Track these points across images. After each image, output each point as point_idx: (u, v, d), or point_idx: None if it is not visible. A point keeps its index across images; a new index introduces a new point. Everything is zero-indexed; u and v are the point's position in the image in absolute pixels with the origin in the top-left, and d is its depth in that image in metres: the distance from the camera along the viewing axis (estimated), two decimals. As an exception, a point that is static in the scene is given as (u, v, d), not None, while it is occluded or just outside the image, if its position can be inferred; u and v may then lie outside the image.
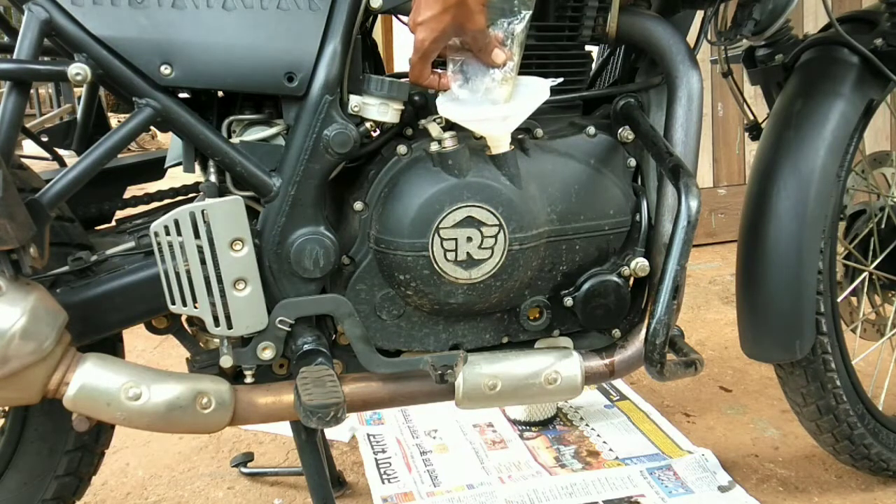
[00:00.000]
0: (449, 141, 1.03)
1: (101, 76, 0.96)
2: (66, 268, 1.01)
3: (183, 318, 1.09)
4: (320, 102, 1.00)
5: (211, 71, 0.98)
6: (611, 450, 1.62)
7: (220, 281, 0.99)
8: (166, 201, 1.17)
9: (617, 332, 1.19)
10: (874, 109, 1.34)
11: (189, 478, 1.59)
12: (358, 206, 1.07)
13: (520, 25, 1.00)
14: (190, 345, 1.11)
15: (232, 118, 1.05)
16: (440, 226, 1.03)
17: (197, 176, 1.08)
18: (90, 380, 0.95)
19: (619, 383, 1.90)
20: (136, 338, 1.88)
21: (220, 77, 0.99)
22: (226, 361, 1.03)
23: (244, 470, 1.57)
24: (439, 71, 1.03)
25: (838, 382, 1.34)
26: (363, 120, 1.03)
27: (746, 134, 1.57)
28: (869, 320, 1.55)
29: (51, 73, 0.94)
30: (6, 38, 1.27)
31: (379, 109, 1.03)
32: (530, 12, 1.01)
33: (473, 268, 1.06)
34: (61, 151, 1.31)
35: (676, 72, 1.14)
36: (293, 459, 1.63)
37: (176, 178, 1.18)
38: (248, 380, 1.07)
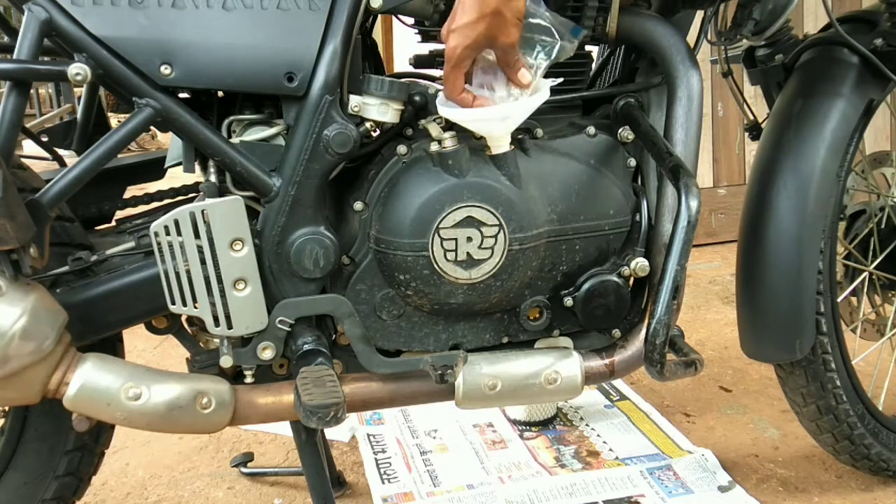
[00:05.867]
0: (449, 141, 1.03)
1: (101, 76, 0.96)
2: (66, 268, 1.01)
3: (183, 318, 1.09)
4: (320, 102, 1.00)
5: (211, 71, 0.98)
6: (611, 450, 1.62)
7: (220, 281, 0.99)
8: (166, 201, 1.17)
9: (617, 332, 1.19)
10: (874, 109, 1.34)
11: (189, 478, 1.59)
12: (358, 206, 1.07)
13: (547, 59, 1.01)
14: (190, 345, 1.11)
15: (232, 118, 1.05)
16: (440, 226, 1.03)
17: (197, 176, 1.08)
18: (90, 380, 0.95)
19: (619, 383, 1.90)
20: (136, 338, 1.87)
21: (220, 77, 0.99)
22: (226, 361, 1.03)
23: (244, 470, 1.57)
24: (473, 91, 1.02)
25: (838, 382, 1.34)
26: (363, 120, 1.03)
27: (746, 134, 1.57)
28: (869, 320, 1.55)
29: (51, 73, 0.94)
30: (6, 38, 1.27)
31: (379, 109, 1.03)
32: (560, 45, 1.01)
33: (473, 268, 1.06)
34: (61, 151, 1.31)
35: (676, 72, 1.14)
36: (293, 459, 1.63)
37: (176, 178, 1.18)
38: (248, 380, 1.07)
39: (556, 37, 1.01)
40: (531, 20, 1.00)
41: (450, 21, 0.97)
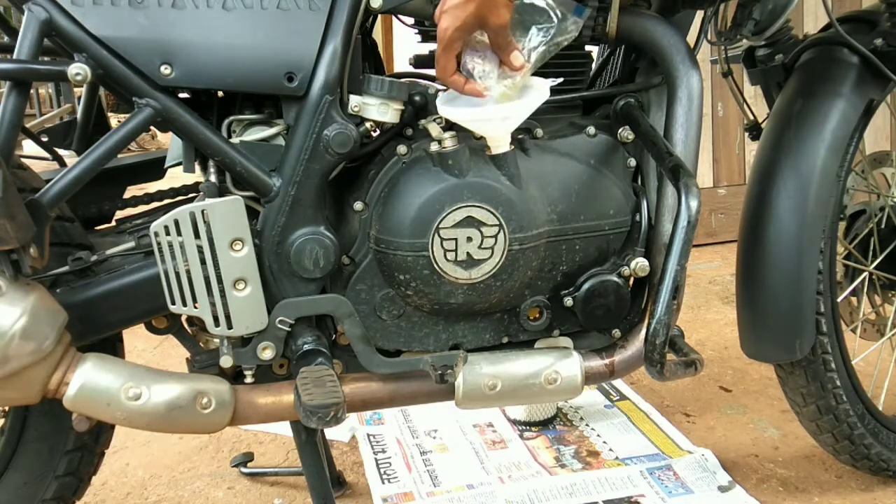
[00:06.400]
0: (449, 141, 1.03)
1: (101, 76, 0.96)
2: (66, 268, 1.01)
3: (183, 318, 1.09)
4: (320, 102, 1.00)
5: (211, 71, 0.98)
6: (611, 450, 1.62)
7: (220, 281, 0.99)
8: (166, 201, 1.17)
9: (617, 332, 1.19)
10: (874, 109, 1.34)
11: (189, 478, 1.59)
12: (358, 206, 1.07)
13: (543, 42, 1.00)
14: (190, 345, 1.11)
15: (232, 118, 1.05)
16: (440, 226, 1.03)
17: (197, 176, 1.08)
18: (90, 380, 0.95)
19: (619, 383, 1.90)
20: (136, 338, 1.87)
21: (220, 77, 0.99)
22: (226, 361, 1.03)
23: (244, 470, 1.57)
24: (465, 74, 1.01)
25: (838, 382, 1.34)
26: (363, 120, 1.03)
27: (746, 134, 1.57)
28: (869, 320, 1.55)
29: (51, 73, 0.94)
30: (6, 38, 1.27)
31: (379, 109, 1.03)
32: (557, 27, 1.00)
33: (473, 268, 1.06)
34: (61, 151, 1.31)
35: (676, 72, 1.14)
36: (293, 459, 1.63)
37: (176, 178, 1.18)
38: (248, 380, 1.07)
39: (554, 19, 1.00)
40: (525, 1, 0.99)
41: (442, 3, 0.97)
